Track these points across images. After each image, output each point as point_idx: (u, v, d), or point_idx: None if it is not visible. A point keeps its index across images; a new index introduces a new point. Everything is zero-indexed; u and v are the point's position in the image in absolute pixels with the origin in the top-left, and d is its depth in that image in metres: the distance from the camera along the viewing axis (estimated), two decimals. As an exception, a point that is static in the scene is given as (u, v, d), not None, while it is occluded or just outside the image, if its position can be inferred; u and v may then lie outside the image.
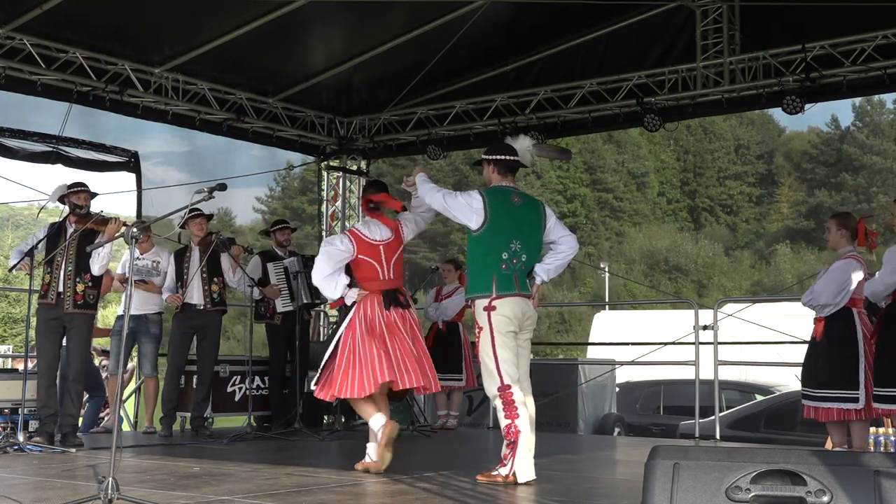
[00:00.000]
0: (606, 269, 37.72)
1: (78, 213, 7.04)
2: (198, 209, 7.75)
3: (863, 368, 6.20)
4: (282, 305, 8.52)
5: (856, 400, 6.20)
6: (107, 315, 17.70)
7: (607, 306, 24.53)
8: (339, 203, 11.60)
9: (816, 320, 6.51)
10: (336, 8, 8.89)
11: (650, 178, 49.34)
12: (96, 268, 6.99)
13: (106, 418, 9.06)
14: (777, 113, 42.06)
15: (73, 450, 6.69)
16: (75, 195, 7.08)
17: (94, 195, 7.19)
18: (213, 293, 8.17)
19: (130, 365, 10.35)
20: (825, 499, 2.70)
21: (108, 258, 7.11)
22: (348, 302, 5.74)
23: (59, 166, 9.42)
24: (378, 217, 5.93)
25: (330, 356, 5.69)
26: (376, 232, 5.82)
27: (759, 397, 11.64)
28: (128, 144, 10.09)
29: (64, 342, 7.11)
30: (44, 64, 8.68)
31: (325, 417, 9.53)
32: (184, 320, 8.18)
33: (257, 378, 8.93)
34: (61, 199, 7.12)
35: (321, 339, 10.49)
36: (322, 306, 10.15)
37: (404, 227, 5.90)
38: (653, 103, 9.60)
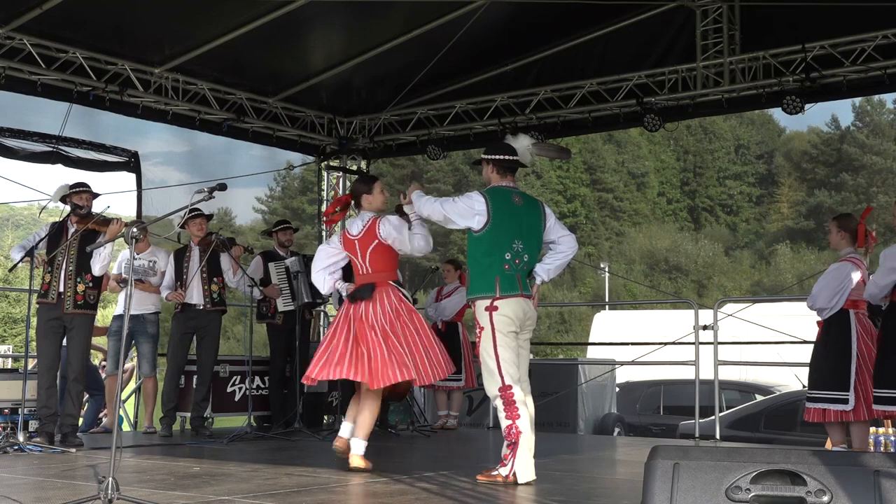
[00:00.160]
0: (606, 269, 37.74)
1: (79, 213, 7.04)
2: (198, 209, 7.75)
3: (854, 370, 6.21)
4: (283, 305, 8.54)
5: (845, 401, 6.22)
6: (106, 315, 17.68)
7: (607, 306, 24.54)
8: (339, 203, 11.59)
9: (818, 323, 6.56)
10: (336, 8, 8.89)
11: (650, 178, 49.36)
12: (97, 268, 6.99)
13: (105, 418, 9.05)
14: (777, 113, 42.18)
15: (73, 450, 6.69)
16: (77, 195, 7.08)
17: (95, 195, 7.19)
18: (213, 293, 8.17)
19: (130, 364, 10.36)
20: (825, 499, 2.70)
21: (109, 258, 7.13)
22: (343, 294, 5.88)
23: (60, 166, 9.42)
24: (362, 211, 5.92)
25: None
26: (355, 227, 5.84)
27: (759, 397, 11.64)
28: (128, 144, 10.09)
29: (64, 342, 7.11)
30: (44, 64, 8.68)
31: (325, 417, 9.53)
32: (184, 320, 8.19)
33: (257, 378, 8.93)
34: (63, 199, 7.12)
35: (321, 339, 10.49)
36: (322, 306, 10.15)
37: (381, 226, 5.77)
38: (653, 103, 9.60)
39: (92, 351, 8.36)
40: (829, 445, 7.10)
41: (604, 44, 9.98)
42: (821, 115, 46.56)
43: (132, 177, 10.08)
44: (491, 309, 5.21)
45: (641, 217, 48.24)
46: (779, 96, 9.05)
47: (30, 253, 6.94)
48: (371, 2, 8.82)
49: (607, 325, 18.16)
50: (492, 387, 5.20)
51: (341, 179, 11.63)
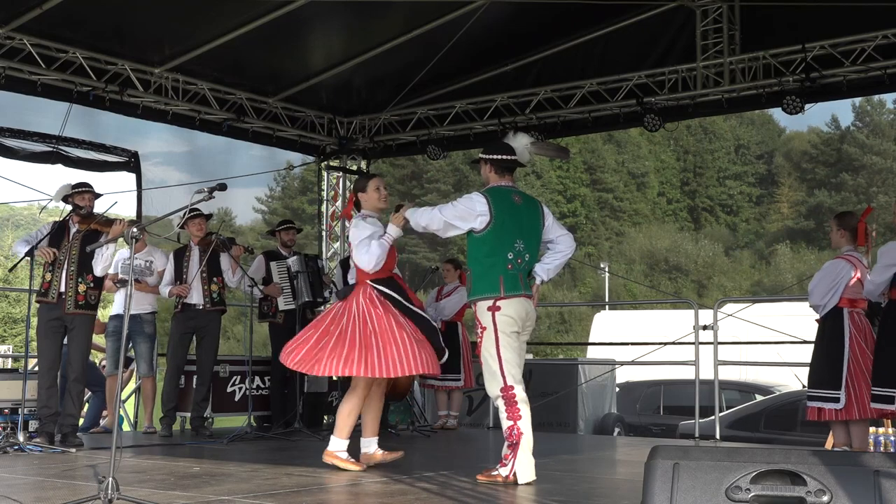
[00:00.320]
0: (606, 269, 37.75)
1: (80, 213, 7.04)
2: (197, 209, 7.75)
3: (846, 369, 6.23)
4: (284, 304, 8.55)
5: (836, 400, 6.24)
6: (104, 315, 17.68)
7: (607, 306, 24.54)
8: (339, 203, 11.60)
9: (817, 321, 6.59)
10: (336, 8, 8.89)
11: (650, 178, 49.37)
12: (99, 268, 6.99)
13: (106, 418, 9.06)
14: (777, 113, 42.19)
15: (73, 450, 6.69)
16: (79, 196, 7.08)
17: (98, 196, 7.19)
18: (213, 293, 8.17)
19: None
20: (825, 499, 2.70)
21: (111, 259, 7.12)
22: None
23: (60, 166, 9.42)
24: (362, 210, 5.90)
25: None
26: None
27: (759, 397, 11.64)
28: (128, 144, 10.09)
29: (65, 342, 7.11)
30: (44, 64, 8.68)
31: (325, 417, 9.53)
32: (183, 320, 8.19)
33: (257, 378, 8.93)
34: (64, 199, 7.11)
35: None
36: (323, 305, 10.15)
37: (351, 228, 5.84)
38: (653, 103, 9.60)
39: (92, 350, 8.36)
40: (828, 445, 7.11)
41: (604, 44, 9.98)
42: (821, 115, 46.67)
43: (132, 177, 10.09)
44: (494, 309, 5.20)
45: (641, 217, 48.26)
46: (779, 96, 9.05)
47: (30, 253, 6.93)
48: (371, 2, 8.82)
49: (607, 325, 18.16)
50: (493, 388, 5.19)
51: (341, 179, 11.63)
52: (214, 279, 8.18)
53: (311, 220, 27.40)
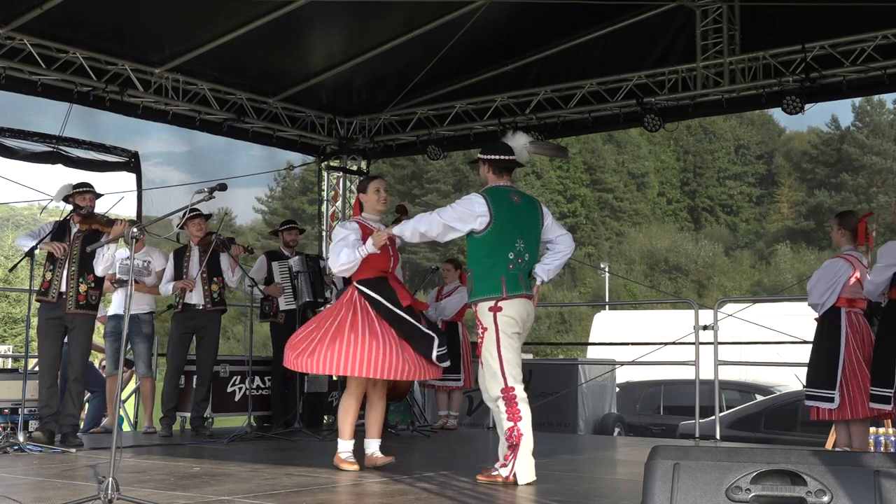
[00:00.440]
0: (606, 269, 37.75)
1: (80, 213, 7.03)
2: (196, 209, 7.75)
3: (841, 368, 6.23)
4: (285, 304, 8.56)
5: (831, 400, 6.25)
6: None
7: (607, 306, 24.54)
8: (339, 203, 11.60)
9: (816, 320, 6.60)
10: (336, 8, 8.89)
11: (650, 178, 49.36)
12: (100, 269, 6.99)
13: (106, 418, 9.05)
14: (777, 113, 42.11)
15: (73, 450, 6.69)
16: (81, 196, 7.07)
17: (99, 196, 7.19)
18: (213, 293, 8.17)
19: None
20: (825, 499, 2.70)
21: (112, 259, 7.12)
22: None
23: (60, 166, 9.43)
24: (364, 212, 5.92)
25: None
26: None
27: (759, 397, 11.64)
28: (128, 144, 10.09)
29: (65, 342, 7.10)
30: (44, 64, 8.68)
31: (325, 417, 9.53)
32: (183, 320, 8.19)
33: (257, 378, 8.93)
34: (65, 199, 7.11)
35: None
36: (324, 305, 10.15)
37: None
38: (653, 103, 9.60)
39: (92, 352, 8.35)
40: (828, 445, 7.11)
41: (604, 44, 9.99)
42: (821, 116, 46.67)
43: (132, 177, 10.08)
44: (495, 310, 5.19)
45: (641, 217, 48.25)
46: (779, 96, 9.05)
47: (30, 253, 6.93)
48: (371, 2, 8.82)
49: (607, 325, 18.17)
50: (494, 388, 5.19)
51: (341, 180, 11.63)
52: (214, 279, 8.18)
53: (311, 220, 27.38)
